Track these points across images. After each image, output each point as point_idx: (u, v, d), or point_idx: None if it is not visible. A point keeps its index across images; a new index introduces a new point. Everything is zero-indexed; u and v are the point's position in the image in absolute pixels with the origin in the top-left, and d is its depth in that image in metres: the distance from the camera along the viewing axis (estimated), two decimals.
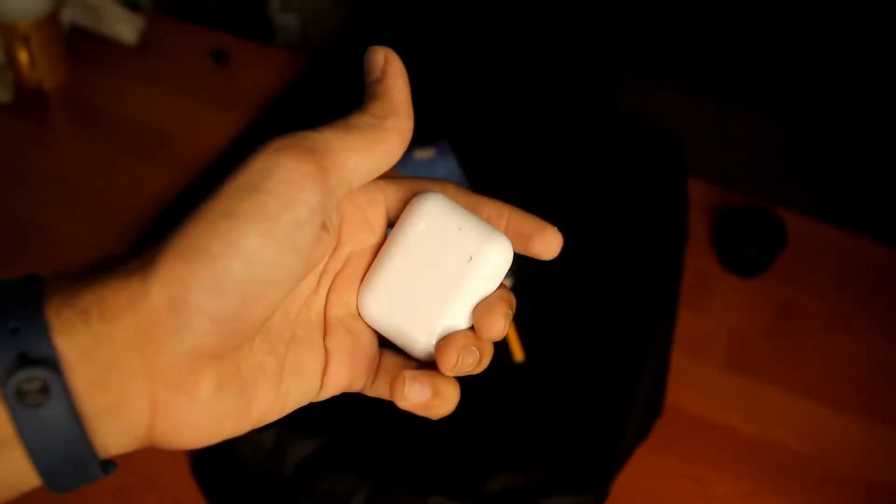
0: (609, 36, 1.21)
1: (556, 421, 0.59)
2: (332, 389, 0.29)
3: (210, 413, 0.25)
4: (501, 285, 0.30)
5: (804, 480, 0.66)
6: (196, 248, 0.24)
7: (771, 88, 1.19)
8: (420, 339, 0.29)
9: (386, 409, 0.57)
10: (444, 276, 0.28)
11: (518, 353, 0.63)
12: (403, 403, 0.27)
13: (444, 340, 0.28)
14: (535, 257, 0.31)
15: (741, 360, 0.74)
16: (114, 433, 0.24)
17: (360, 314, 0.30)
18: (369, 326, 0.30)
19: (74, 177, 0.83)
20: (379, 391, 0.30)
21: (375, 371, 0.30)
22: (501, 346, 0.64)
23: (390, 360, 0.30)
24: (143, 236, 0.71)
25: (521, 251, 0.30)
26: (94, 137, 0.87)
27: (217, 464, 0.58)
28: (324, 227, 0.26)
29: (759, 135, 1.23)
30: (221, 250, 0.23)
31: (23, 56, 0.88)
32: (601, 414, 0.60)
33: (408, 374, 0.27)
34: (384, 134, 0.27)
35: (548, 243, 0.31)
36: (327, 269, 0.29)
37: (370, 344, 0.30)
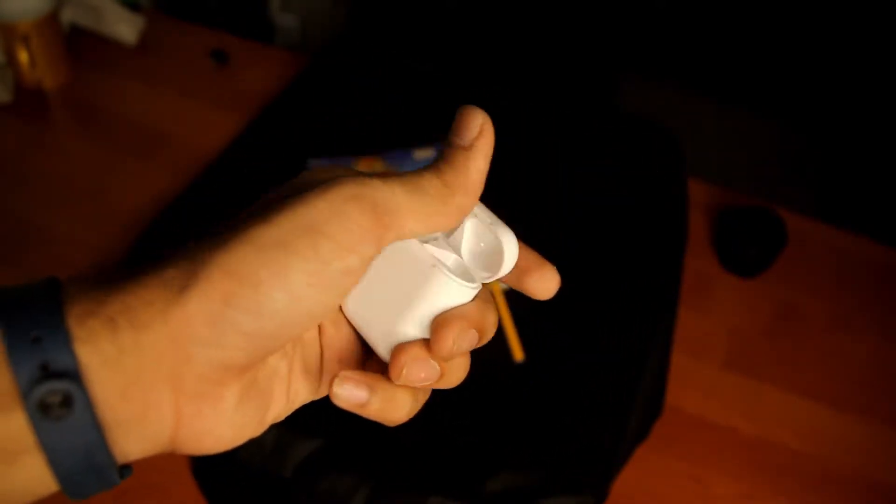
0: (609, 36, 1.21)
1: (556, 421, 0.59)
2: (326, 386, 0.29)
3: (233, 422, 0.25)
4: (480, 298, 0.28)
5: (804, 480, 0.66)
6: (243, 271, 0.24)
7: (771, 88, 1.19)
8: (380, 344, 0.28)
9: None
10: (411, 281, 0.27)
11: (518, 353, 0.63)
12: (336, 401, 0.27)
13: (397, 349, 0.27)
14: (528, 295, 0.29)
15: (741, 360, 0.74)
16: (136, 441, 0.24)
17: (343, 310, 0.30)
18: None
19: (74, 177, 0.83)
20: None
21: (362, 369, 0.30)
22: (502, 346, 0.64)
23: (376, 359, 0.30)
24: (143, 236, 0.71)
25: (514, 286, 0.29)
26: (94, 137, 0.87)
27: (218, 465, 0.58)
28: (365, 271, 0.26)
29: (759, 135, 1.23)
30: (268, 278, 0.24)
31: (23, 56, 0.88)
32: (601, 414, 0.60)
33: (343, 373, 0.27)
34: (448, 209, 0.27)
35: (545, 282, 0.29)
36: None
37: (355, 340, 0.30)
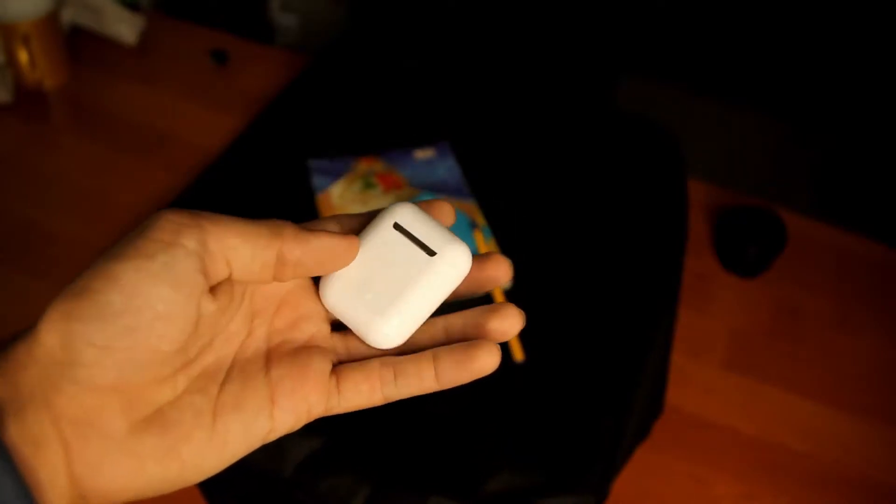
0: (609, 36, 1.21)
1: (557, 421, 0.60)
2: (289, 421, 0.29)
3: (129, 450, 0.25)
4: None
5: (804, 480, 0.66)
6: (79, 287, 0.25)
7: (771, 88, 1.19)
8: (376, 327, 0.30)
9: (386, 409, 0.57)
10: (405, 271, 0.31)
11: (518, 353, 0.63)
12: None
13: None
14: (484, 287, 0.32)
15: (741, 360, 0.74)
16: (46, 483, 0.24)
17: (322, 301, 0.31)
18: (314, 345, 0.31)
19: (74, 177, 0.83)
20: (349, 402, 0.30)
21: (337, 389, 0.30)
22: (502, 346, 0.64)
23: (350, 372, 0.30)
24: None
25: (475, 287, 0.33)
26: (94, 137, 0.87)
27: None
28: (203, 270, 0.27)
29: (759, 134, 1.23)
30: (101, 285, 0.25)
31: (23, 56, 0.88)
32: (601, 414, 0.60)
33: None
34: (268, 235, 0.28)
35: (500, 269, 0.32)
36: (259, 312, 0.30)
37: (320, 368, 0.30)
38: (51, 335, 0.25)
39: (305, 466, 0.55)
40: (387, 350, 0.31)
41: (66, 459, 0.25)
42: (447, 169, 0.78)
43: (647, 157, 0.83)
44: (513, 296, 0.67)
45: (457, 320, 0.31)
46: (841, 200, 1.15)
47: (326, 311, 0.32)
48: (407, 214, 0.32)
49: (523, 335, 0.65)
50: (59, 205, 0.80)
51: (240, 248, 0.27)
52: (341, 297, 0.31)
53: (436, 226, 0.31)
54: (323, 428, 0.56)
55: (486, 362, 0.29)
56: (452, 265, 0.31)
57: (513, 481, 0.56)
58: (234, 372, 0.29)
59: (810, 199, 1.12)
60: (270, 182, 0.76)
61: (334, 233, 0.30)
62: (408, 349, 0.31)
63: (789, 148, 1.24)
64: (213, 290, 0.28)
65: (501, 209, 0.74)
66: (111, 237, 0.76)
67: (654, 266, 0.72)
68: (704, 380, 0.72)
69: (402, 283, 0.30)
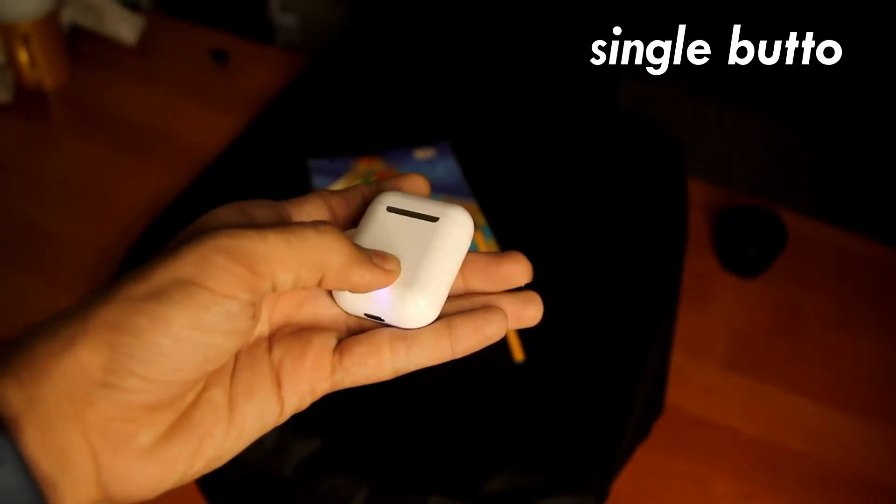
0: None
1: (557, 421, 0.59)
2: (293, 401, 0.29)
3: (157, 459, 0.26)
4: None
5: (804, 480, 0.66)
6: (122, 322, 0.24)
7: (771, 88, 1.19)
8: (409, 307, 0.29)
9: (386, 409, 0.57)
10: (415, 243, 0.30)
11: (518, 353, 0.63)
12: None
13: None
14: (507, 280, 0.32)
15: (741, 360, 0.74)
16: (68, 490, 0.24)
17: (339, 307, 0.31)
18: (318, 326, 0.30)
19: (74, 177, 0.83)
20: (355, 377, 0.29)
21: (341, 364, 0.29)
22: (502, 346, 0.64)
23: (355, 346, 0.30)
24: (143, 236, 0.71)
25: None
26: (94, 137, 0.87)
27: None
28: (254, 315, 0.27)
29: (759, 135, 1.23)
30: (150, 325, 0.24)
31: (23, 56, 0.88)
32: (601, 414, 0.60)
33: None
34: (315, 267, 0.28)
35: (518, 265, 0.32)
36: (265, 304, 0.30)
37: (321, 344, 0.29)
38: (92, 356, 0.24)
39: (305, 466, 0.55)
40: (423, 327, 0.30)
41: (94, 468, 0.25)
42: (447, 169, 0.78)
43: (647, 157, 0.83)
44: None
45: (473, 267, 0.32)
46: (841, 200, 1.15)
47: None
48: (394, 197, 0.32)
49: (523, 335, 0.65)
50: (59, 205, 0.80)
51: (287, 281, 0.27)
52: (359, 295, 0.30)
53: (425, 199, 0.31)
54: (323, 428, 0.56)
55: (499, 327, 0.30)
56: (459, 225, 0.31)
57: (513, 481, 0.56)
58: (242, 358, 0.29)
59: (810, 199, 1.12)
60: (270, 182, 0.76)
61: (377, 265, 0.29)
62: None
63: (789, 148, 1.24)
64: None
65: (501, 209, 0.74)
66: (111, 237, 0.76)
67: (654, 266, 0.72)
68: (704, 380, 0.72)
69: (418, 254, 0.30)
